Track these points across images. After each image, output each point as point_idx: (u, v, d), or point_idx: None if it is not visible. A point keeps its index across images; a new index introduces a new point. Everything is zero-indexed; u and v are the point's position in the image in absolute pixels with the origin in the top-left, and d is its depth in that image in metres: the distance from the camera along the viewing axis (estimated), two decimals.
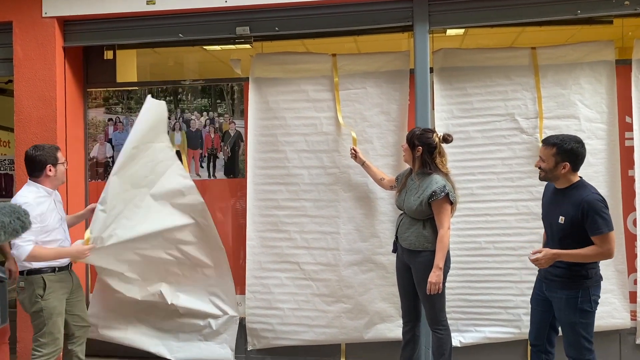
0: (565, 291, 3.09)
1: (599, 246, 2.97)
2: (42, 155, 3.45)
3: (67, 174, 3.81)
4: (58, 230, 3.53)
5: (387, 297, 4.12)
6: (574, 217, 3.01)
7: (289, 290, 4.26)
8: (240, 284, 4.43)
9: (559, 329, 3.28)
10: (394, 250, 3.74)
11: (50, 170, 3.47)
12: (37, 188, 3.45)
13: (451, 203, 3.43)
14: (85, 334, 3.82)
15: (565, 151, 3.05)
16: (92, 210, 3.76)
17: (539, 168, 3.18)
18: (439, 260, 3.38)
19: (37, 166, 3.45)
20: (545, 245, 3.28)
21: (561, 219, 3.07)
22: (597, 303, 3.10)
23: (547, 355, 3.33)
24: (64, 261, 3.56)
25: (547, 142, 3.14)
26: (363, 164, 3.95)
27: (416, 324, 3.72)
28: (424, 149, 3.49)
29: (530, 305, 3.44)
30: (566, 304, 3.08)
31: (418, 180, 3.51)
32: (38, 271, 3.44)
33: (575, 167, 3.09)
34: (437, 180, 3.42)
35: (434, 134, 3.52)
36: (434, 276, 3.38)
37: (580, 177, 3.14)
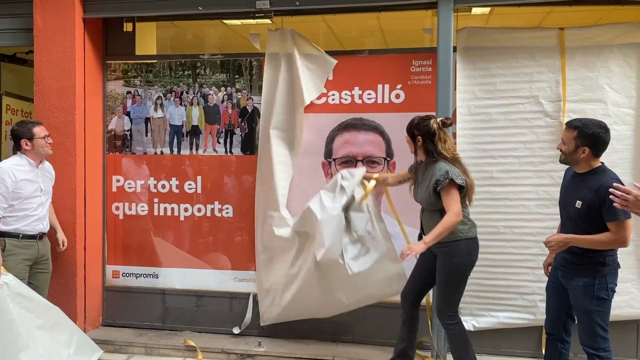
0: (582, 278, 3.03)
1: (614, 233, 2.90)
2: (17, 131, 3.80)
3: (52, 147, 3.97)
4: (32, 201, 3.78)
5: None
6: (591, 202, 2.94)
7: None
8: (255, 260, 4.43)
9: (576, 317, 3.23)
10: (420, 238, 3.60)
11: (26, 144, 3.77)
12: (21, 158, 3.81)
13: (460, 188, 3.29)
14: None
15: (586, 135, 2.97)
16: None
17: (560, 150, 3.11)
18: (429, 237, 3.22)
19: (15, 140, 3.83)
20: (560, 231, 3.22)
21: (578, 204, 3.00)
22: (614, 291, 3.04)
23: (563, 344, 3.28)
24: (32, 229, 3.79)
25: (570, 124, 3.07)
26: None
27: (413, 307, 3.63)
28: (423, 138, 3.39)
29: (545, 293, 3.38)
30: (583, 291, 3.03)
31: (424, 171, 3.43)
32: (1, 234, 3.70)
33: (596, 152, 3.00)
34: (440, 168, 3.30)
35: (432, 120, 3.39)
36: (415, 245, 3.24)
37: (602, 162, 3.05)
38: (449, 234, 3.28)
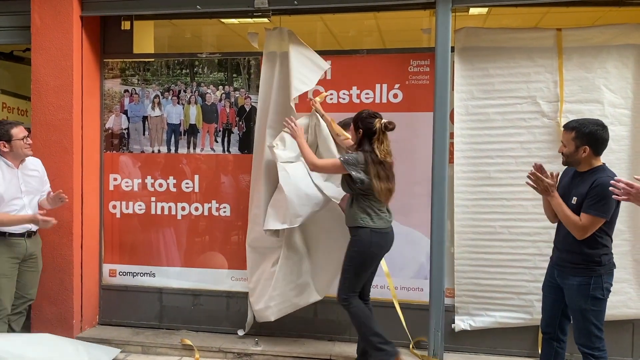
0: (577, 278, 3.05)
1: (582, 221, 2.96)
2: None
3: (32, 148, 3.84)
4: (14, 203, 3.69)
5: None
6: (584, 197, 2.98)
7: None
8: None
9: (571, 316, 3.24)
10: None
11: (4, 146, 3.66)
12: None
13: (353, 180, 3.47)
14: (23, 306, 3.89)
15: (584, 134, 3.01)
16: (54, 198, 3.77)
17: (562, 153, 3.13)
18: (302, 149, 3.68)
19: None
20: (557, 228, 3.24)
21: (574, 200, 3.04)
22: (609, 291, 3.06)
23: (559, 343, 3.29)
24: (17, 228, 3.69)
25: (567, 126, 3.11)
26: (322, 116, 3.98)
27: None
28: (364, 132, 3.53)
29: (542, 292, 3.39)
30: (577, 291, 3.04)
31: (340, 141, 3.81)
32: None
33: (597, 150, 3.03)
34: (351, 152, 3.57)
35: (377, 120, 3.52)
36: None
37: (603, 163, 3.08)
38: (351, 218, 3.57)
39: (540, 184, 3.09)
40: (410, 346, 4.15)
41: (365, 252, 3.55)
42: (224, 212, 4.53)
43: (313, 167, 3.66)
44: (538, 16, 4.82)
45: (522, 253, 4.01)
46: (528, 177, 3.13)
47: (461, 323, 4.11)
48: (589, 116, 3.73)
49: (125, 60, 4.66)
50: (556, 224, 3.26)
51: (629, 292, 3.92)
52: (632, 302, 3.93)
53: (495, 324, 4.08)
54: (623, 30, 3.89)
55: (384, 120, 3.53)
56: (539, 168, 3.14)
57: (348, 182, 3.54)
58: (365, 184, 3.47)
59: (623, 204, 3.04)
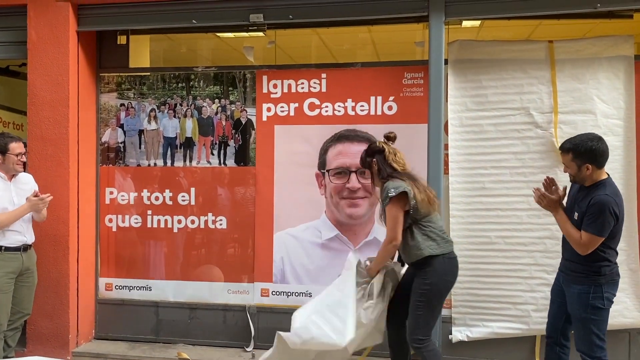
0: (577, 286, 3.08)
1: (582, 239, 2.99)
2: None
3: (26, 167, 3.94)
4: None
5: None
6: (584, 214, 3.01)
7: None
8: (248, 272, 4.45)
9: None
10: (403, 264, 3.54)
11: None
12: None
13: (407, 205, 3.19)
14: (19, 321, 3.87)
15: (581, 153, 3.03)
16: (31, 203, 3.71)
17: (569, 174, 3.17)
18: (373, 264, 3.36)
19: None
20: (562, 241, 3.27)
21: (576, 215, 3.08)
22: (611, 301, 3.08)
23: (562, 348, 3.30)
24: (13, 242, 3.69)
25: (562, 148, 3.14)
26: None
27: (399, 329, 3.45)
28: (377, 158, 3.37)
29: (550, 296, 3.43)
30: (578, 299, 3.07)
31: (380, 196, 3.36)
32: None
33: (599, 165, 3.05)
34: (385, 186, 3.26)
35: (375, 143, 3.46)
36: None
37: (608, 175, 3.11)
38: (417, 250, 3.22)
39: (544, 200, 3.11)
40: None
41: (439, 282, 3.25)
42: (220, 224, 4.53)
43: (389, 242, 3.22)
44: (530, 28, 4.88)
45: (518, 263, 4.02)
46: (533, 192, 3.18)
47: (458, 334, 4.11)
48: (582, 127, 3.82)
49: (121, 74, 4.68)
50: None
51: (625, 301, 3.93)
52: (628, 311, 3.94)
53: (492, 335, 4.08)
54: (613, 42, 3.94)
55: (382, 138, 3.46)
56: (550, 182, 3.17)
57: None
58: (417, 203, 3.21)
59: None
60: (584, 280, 3.05)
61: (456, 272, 3.36)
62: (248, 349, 4.39)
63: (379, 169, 3.37)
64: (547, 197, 3.13)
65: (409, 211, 3.22)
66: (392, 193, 3.18)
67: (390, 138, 3.44)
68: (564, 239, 3.25)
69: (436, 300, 3.29)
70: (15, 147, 3.71)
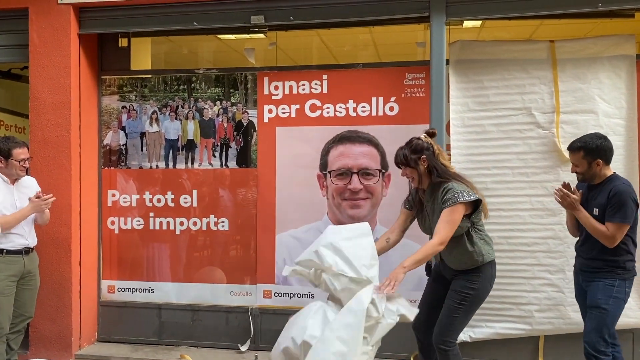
0: (603, 280, 3.16)
1: (608, 230, 3.07)
2: None
3: (29, 172, 3.92)
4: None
5: None
6: (605, 207, 3.10)
7: None
8: (251, 274, 4.45)
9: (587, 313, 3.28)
10: (429, 274, 3.43)
11: (0, 161, 3.66)
12: None
13: (474, 205, 3.06)
14: (22, 324, 3.85)
15: (592, 150, 3.13)
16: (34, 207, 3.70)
17: (576, 172, 3.24)
18: (408, 261, 2.94)
19: None
20: (580, 234, 3.33)
21: (595, 211, 3.15)
22: (628, 297, 3.18)
23: (614, 347, 3.26)
24: (15, 244, 3.68)
25: (572, 147, 3.21)
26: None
27: (427, 335, 3.28)
28: (427, 156, 3.09)
29: (577, 304, 3.48)
30: (603, 289, 3.14)
31: (431, 196, 3.14)
32: None
33: (607, 160, 3.17)
34: (448, 188, 3.02)
35: (419, 139, 3.14)
36: (395, 274, 2.91)
37: (614, 172, 3.21)
38: (478, 257, 3.08)
39: (566, 199, 3.17)
40: (411, 359, 4.13)
41: (486, 288, 3.14)
42: (222, 226, 4.53)
43: (440, 245, 2.99)
44: (531, 28, 4.87)
45: (521, 263, 4.01)
46: (555, 193, 3.23)
47: (461, 334, 4.09)
48: (584, 126, 3.82)
49: (122, 76, 4.69)
50: (578, 236, 3.37)
51: (629, 301, 3.90)
52: (632, 311, 3.91)
53: (495, 335, 4.07)
54: (615, 42, 3.94)
55: (423, 133, 3.18)
56: (567, 186, 3.22)
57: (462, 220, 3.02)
58: (478, 205, 3.07)
59: None
60: (608, 274, 3.15)
61: (495, 276, 3.24)
62: (242, 348, 4.39)
63: (430, 167, 3.09)
64: (570, 196, 3.17)
65: (467, 215, 3.05)
66: (465, 198, 2.97)
67: (432, 135, 3.19)
68: (582, 242, 3.30)
69: (476, 305, 3.18)
70: (19, 152, 3.68)
